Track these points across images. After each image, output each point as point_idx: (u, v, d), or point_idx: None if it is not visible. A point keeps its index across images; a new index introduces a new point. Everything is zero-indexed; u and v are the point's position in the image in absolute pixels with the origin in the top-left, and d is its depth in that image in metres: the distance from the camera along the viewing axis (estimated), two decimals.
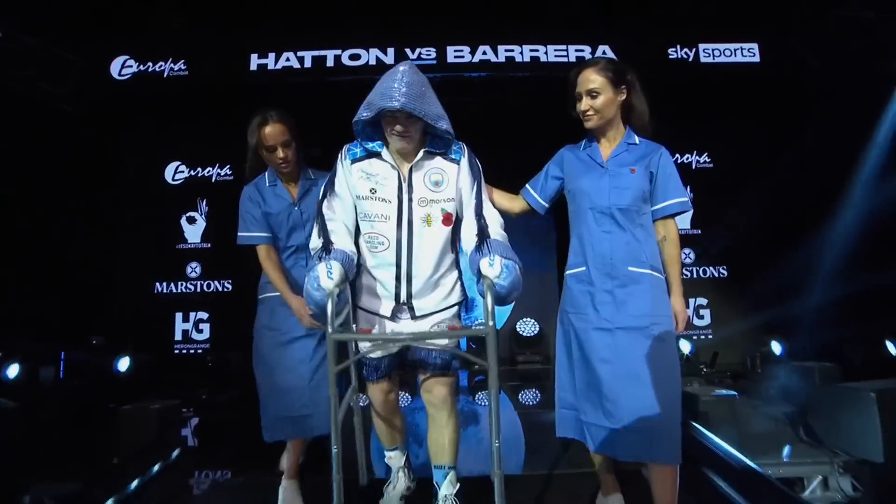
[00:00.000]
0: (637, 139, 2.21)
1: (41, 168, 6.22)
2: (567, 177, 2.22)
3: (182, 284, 6.66)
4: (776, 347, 4.71)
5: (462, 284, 2.14)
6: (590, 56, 6.18)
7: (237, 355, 5.73)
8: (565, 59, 6.03)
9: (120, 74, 6.29)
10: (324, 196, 2.05)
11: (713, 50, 6.24)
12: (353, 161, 2.04)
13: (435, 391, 2.08)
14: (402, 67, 1.89)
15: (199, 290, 6.65)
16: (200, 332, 6.56)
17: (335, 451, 1.73)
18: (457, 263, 2.14)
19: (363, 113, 1.93)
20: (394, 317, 2.04)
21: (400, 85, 1.83)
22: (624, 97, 2.17)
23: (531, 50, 6.00)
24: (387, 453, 2.41)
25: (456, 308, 2.11)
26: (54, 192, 6.18)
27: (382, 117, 1.93)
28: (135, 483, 2.57)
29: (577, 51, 6.04)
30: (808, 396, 3.04)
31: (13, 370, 4.74)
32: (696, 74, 6.21)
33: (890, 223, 5.08)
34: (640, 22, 6.18)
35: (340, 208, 2.02)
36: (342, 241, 1.98)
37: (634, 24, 6.20)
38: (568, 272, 2.18)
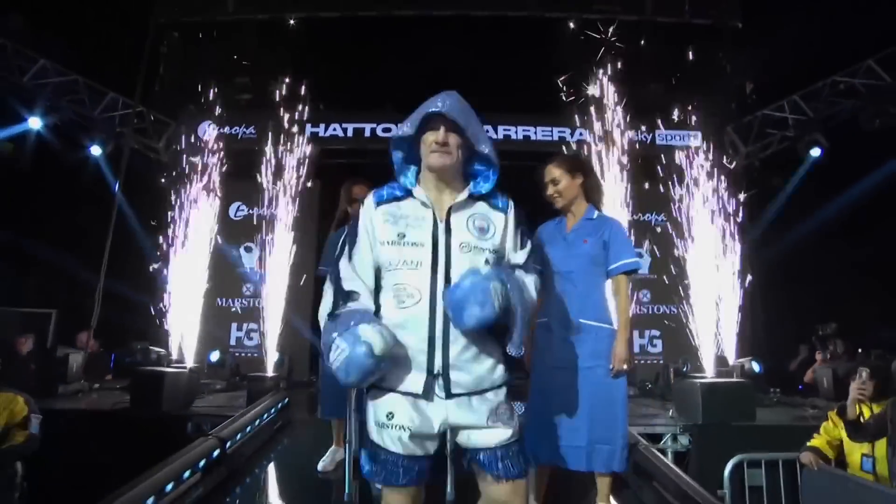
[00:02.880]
0: (595, 214, 2.59)
1: (137, 203, 8.04)
2: (544, 246, 2.43)
3: (238, 300, 8.33)
4: (682, 365, 6.23)
5: (506, 362, 1.62)
6: (569, 136, 7.97)
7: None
8: (550, 138, 7.84)
9: (205, 135, 8.17)
10: (341, 251, 1.67)
11: (666, 135, 8.05)
12: (379, 204, 1.65)
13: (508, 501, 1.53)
14: (444, 93, 1.65)
15: (251, 305, 8.29)
16: (251, 339, 8.19)
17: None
18: (499, 334, 1.57)
19: (403, 128, 1.64)
20: (427, 394, 1.50)
21: (444, 98, 1.60)
22: (581, 181, 2.57)
23: (524, 130, 7.82)
24: None
25: (505, 390, 1.60)
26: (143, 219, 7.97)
27: (422, 142, 1.61)
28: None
29: (559, 132, 7.85)
30: (672, 390, 4.69)
31: (215, 356, 6.97)
32: (652, 152, 7.99)
33: None
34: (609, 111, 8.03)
35: (360, 264, 1.62)
36: (364, 301, 1.58)
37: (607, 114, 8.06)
38: (538, 320, 2.46)
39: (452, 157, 1.59)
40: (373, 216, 1.62)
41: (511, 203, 1.70)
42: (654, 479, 2.76)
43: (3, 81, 7.49)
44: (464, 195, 1.63)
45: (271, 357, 5.99)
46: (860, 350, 5.98)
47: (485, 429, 1.51)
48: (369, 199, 1.66)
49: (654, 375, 7.01)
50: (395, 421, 1.49)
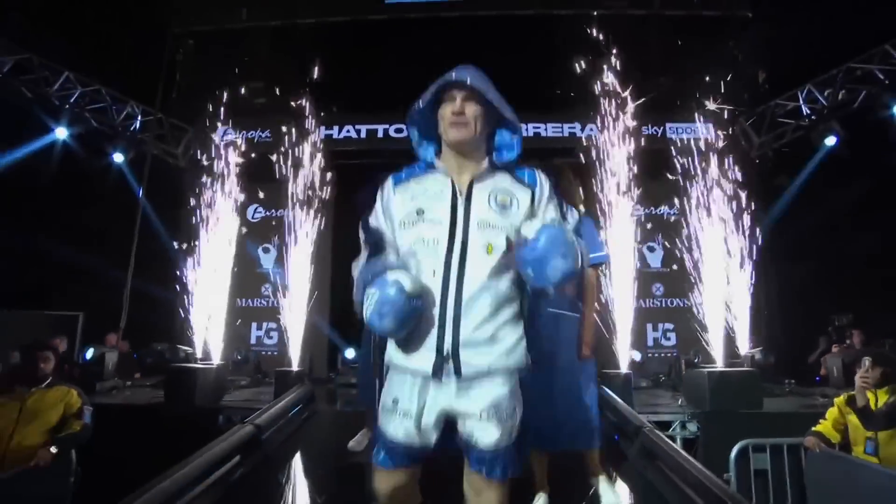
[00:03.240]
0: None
1: (159, 208, 8.38)
2: None
3: (257, 300, 8.63)
4: (694, 357, 6.34)
5: (527, 351, 1.53)
6: (579, 131, 8.08)
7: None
8: (560, 134, 7.96)
9: (221, 140, 8.45)
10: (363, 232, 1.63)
11: (676, 127, 8.12)
12: (397, 184, 1.60)
13: (484, 497, 1.51)
14: (459, 66, 1.57)
15: (269, 304, 8.58)
16: (270, 337, 8.49)
17: None
18: (522, 313, 1.54)
19: (419, 103, 1.56)
20: (436, 373, 1.46)
21: (459, 69, 1.53)
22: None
23: (534, 127, 7.95)
24: None
25: (517, 379, 1.52)
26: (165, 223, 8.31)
27: (439, 117, 1.54)
28: None
29: (569, 127, 7.97)
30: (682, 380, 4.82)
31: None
32: (664, 145, 8.06)
33: None
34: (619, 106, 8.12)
35: (380, 242, 1.58)
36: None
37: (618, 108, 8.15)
38: None
39: (471, 128, 1.50)
40: (391, 199, 1.57)
41: (540, 176, 1.58)
42: (660, 461, 2.92)
43: (30, 93, 7.87)
44: (485, 164, 1.54)
45: (295, 352, 6.26)
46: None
47: (478, 421, 1.45)
48: (388, 182, 1.60)
49: (668, 367, 7.13)
50: (399, 407, 1.48)
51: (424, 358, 1.46)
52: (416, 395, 1.47)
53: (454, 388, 1.46)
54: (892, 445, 2.96)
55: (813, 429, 3.26)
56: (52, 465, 2.84)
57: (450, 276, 1.44)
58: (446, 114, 1.52)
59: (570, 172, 2.89)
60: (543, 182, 1.57)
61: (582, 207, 2.81)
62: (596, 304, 2.75)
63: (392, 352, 1.54)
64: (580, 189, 2.87)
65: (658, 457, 2.95)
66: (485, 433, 1.45)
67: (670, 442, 3.10)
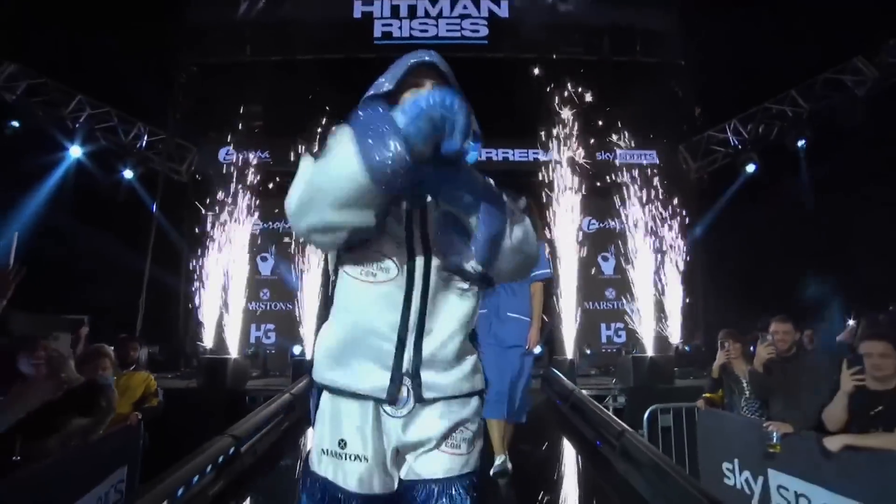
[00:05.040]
0: None
1: (166, 221, 9.16)
2: None
3: (256, 304, 9.49)
4: (632, 349, 7.62)
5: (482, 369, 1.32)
6: (542, 156, 9.27)
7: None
8: (526, 159, 9.13)
9: (224, 159, 9.30)
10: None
11: (626, 154, 9.39)
12: None
13: None
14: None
15: (268, 308, 9.47)
16: (269, 337, 9.39)
17: None
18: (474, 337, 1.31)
19: (383, 85, 1.25)
20: (392, 399, 1.16)
21: (429, 52, 1.29)
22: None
23: (503, 152, 9.09)
24: None
25: (478, 401, 1.27)
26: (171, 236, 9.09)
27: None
28: None
29: (533, 153, 9.14)
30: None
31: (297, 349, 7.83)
32: (614, 169, 9.32)
33: None
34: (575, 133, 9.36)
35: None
36: None
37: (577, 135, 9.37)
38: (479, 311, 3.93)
39: None
40: None
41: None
42: (586, 418, 4.05)
43: (46, 115, 8.56)
44: None
45: (309, 341, 7.20)
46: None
47: (432, 452, 1.19)
48: None
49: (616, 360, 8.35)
50: (348, 450, 1.17)
51: (379, 377, 1.15)
52: (369, 430, 1.17)
53: (408, 415, 1.17)
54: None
55: (703, 395, 4.43)
56: (133, 429, 3.76)
57: (413, 278, 1.16)
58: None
59: (535, 209, 3.91)
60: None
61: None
62: (542, 309, 3.44)
63: (325, 369, 1.20)
64: (540, 222, 3.92)
65: (587, 416, 4.08)
66: (442, 462, 1.19)
67: (599, 405, 4.23)
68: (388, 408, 1.18)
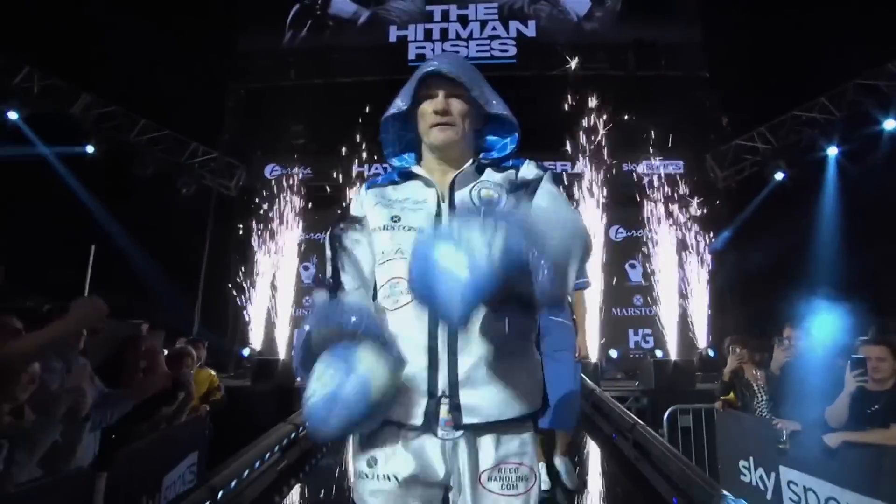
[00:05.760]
0: None
1: (217, 234, 9.88)
2: None
3: (300, 310, 10.07)
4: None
5: (543, 381, 1.20)
6: (569, 168, 9.53)
7: None
8: (554, 171, 9.38)
9: (270, 175, 9.97)
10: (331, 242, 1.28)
11: (653, 164, 9.54)
12: (371, 188, 1.30)
13: None
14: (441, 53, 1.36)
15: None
16: None
17: None
18: (536, 340, 1.22)
19: (397, 103, 1.25)
20: (429, 426, 1.10)
21: (441, 57, 1.27)
22: None
23: None
24: None
25: (531, 424, 1.17)
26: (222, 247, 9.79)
27: (419, 117, 1.24)
28: None
29: (562, 166, 9.41)
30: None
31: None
32: (641, 179, 9.49)
33: None
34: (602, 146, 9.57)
35: (351, 258, 1.24)
36: (354, 287, 1.22)
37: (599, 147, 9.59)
38: None
39: (458, 129, 1.23)
40: (363, 201, 1.28)
41: (531, 163, 1.27)
42: (604, 414, 4.32)
43: (113, 140, 9.40)
44: (468, 164, 1.25)
45: None
46: None
47: (483, 492, 1.11)
48: (362, 188, 1.33)
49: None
50: (377, 470, 1.12)
51: (413, 403, 1.10)
52: (404, 451, 1.11)
53: (452, 444, 1.11)
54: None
55: (722, 397, 4.62)
56: (202, 419, 4.24)
57: None
58: (427, 112, 1.24)
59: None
60: (532, 167, 1.25)
61: None
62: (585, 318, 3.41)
63: None
64: None
65: (608, 416, 4.34)
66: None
67: (619, 405, 4.49)
68: (425, 435, 1.11)
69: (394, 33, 9.03)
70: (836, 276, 6.34)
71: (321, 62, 9.21)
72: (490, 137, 1.34)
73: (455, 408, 1.10)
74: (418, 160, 1.32)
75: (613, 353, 7.55)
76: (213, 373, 4.51)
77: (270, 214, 10.17)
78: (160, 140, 9.58)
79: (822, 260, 7.96)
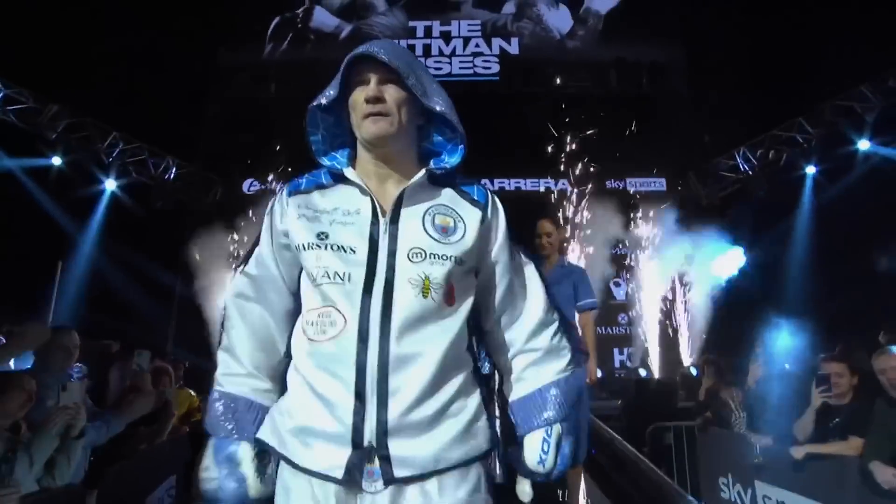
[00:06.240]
0: (566, 262, 3.44)
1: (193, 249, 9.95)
2: None
3: None
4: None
5: (489, 419, 1.13)
6: (553, 185, 9.89)
7: None
8: (537, 188, 9.75)
9: (248, 190, 10.11)
10: (241, 264, 1.19)
11: (636, 181, 9.96)
12: (293, 193, 1.16)
13: None
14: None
15: None
16: None
17: None
18: (477, 378, 1.15)
19: (327, 92, 1.15)
20: (352, 479, 1.00)
21: (374, 42, 1.13)
22: (562, 235, 3.43)
23: (515, 182, 9.74)
24: None
25: (479, 471, 1.08)
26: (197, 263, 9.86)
27: (350, 108, 1.13)
28: None
29: (545, 183, 9.77)
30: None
31: None
32: (625, 197, 9.88)
33: None
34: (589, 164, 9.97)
35: (264, 283, 1.14)
36: (241, 363, 1.13)
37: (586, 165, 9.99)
38: None
39: (392, 119, 1.11)
40: (285, 212, 1.14)
41: (493, 197, 1.20)
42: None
43: (84, 150, 9.45)
44: (419, 176, 1.13)
45: None
46: None
47: None
48: (282, 192, 1.19)
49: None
50: None
51: (334, 453, 1.01)
52: None
53: (381, 500, 1.01)
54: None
55: (704, 414, 4.88)
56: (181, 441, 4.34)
57: (369, 327, 1.02)
58: (358, 102, 1.12)
59: (561, 230, 3.49)
60: (497, 204, 1.20)
61: (566, 257, 3.57)
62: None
63: (277, 428, 1.08)
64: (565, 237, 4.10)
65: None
66: None
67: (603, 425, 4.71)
68: (345, 490, 1.01)
69: None
70: (810, 294, 6.73)
71: (302, 75, 9.45)
72: (436, 137, 1.23)
73: (384, 459, 1.00)
74: (352, 161, 1.19)
75: (598, 373, 7.76)
76: (193, 393, 4.62)
77: (247, 229, 10.21)
78: (134, 152, 9.66)
79: (797, 277, 8.39)
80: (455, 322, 1.10)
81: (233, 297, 1.18)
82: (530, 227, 3.33)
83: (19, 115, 8.66)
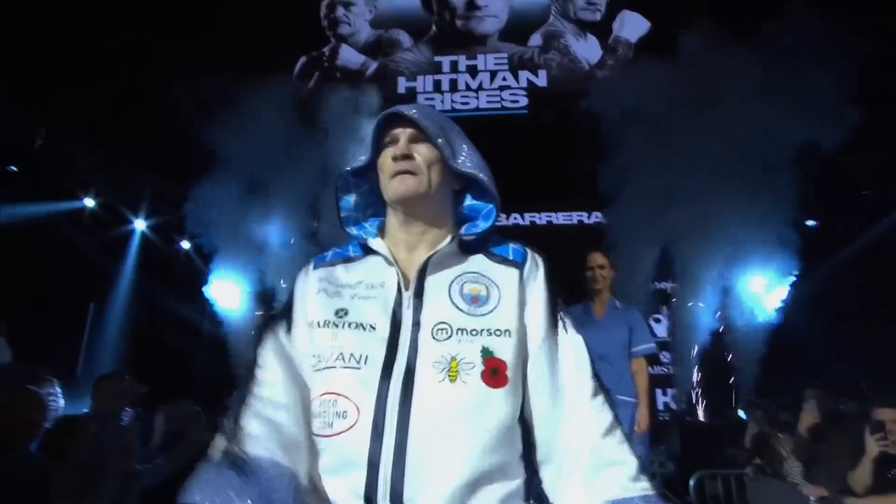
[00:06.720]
0: (618, 303, 3.32)
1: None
2: None
3: None
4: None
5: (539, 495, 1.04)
6: (586, 218, 9.98)
7: None
8: (570, 221, 9.87)
9: None
10: (262, 335, 1.14)
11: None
12: (318, 266, 1.16)
13: None
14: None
15: None
16: None
17: None
18: (528, 461, 1.05)
19: (360, 158, 1.17)
20: None
21: (407, 105, 1.15)
22: (613, 273, 3.38)
23: (546, 216, 9.88)
24: None
25: None
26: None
27: (379, 171, 1.15)
28: None
29: (577, 215, 9.89)
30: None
31: None
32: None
33: None
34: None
35: (285, 369, 1.08)
36: (266, 440, 1.01)
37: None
38: None
39: (422, 178, 1.09)
40: (308, 286, 1.13)
41: (531, 253, 1.14)
42: None
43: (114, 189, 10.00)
44: (446, 242, 1.10)
45: None
46: None
47: None
48: (309, 266, 1.18)
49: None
50: None
51: None
52: None
53: None
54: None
55: (754, 461, 4.82)
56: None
57: (384, 421, 0.95)
58: (386, 162, 1.12)
59: (607, 262, 3.42)
60: (538, 260, 1.13)
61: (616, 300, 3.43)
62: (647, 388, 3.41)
63: None
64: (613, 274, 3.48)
65: None
66: None
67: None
68: None
69: (402, 84, 9.77)
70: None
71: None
72: (471, 202, 1.18)
73: None
74: (381, 231, 1.17)
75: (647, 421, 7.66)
76: None
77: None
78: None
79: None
80: (495, 414, 0.97)
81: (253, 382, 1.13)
82: (564, 261, 3.42)
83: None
